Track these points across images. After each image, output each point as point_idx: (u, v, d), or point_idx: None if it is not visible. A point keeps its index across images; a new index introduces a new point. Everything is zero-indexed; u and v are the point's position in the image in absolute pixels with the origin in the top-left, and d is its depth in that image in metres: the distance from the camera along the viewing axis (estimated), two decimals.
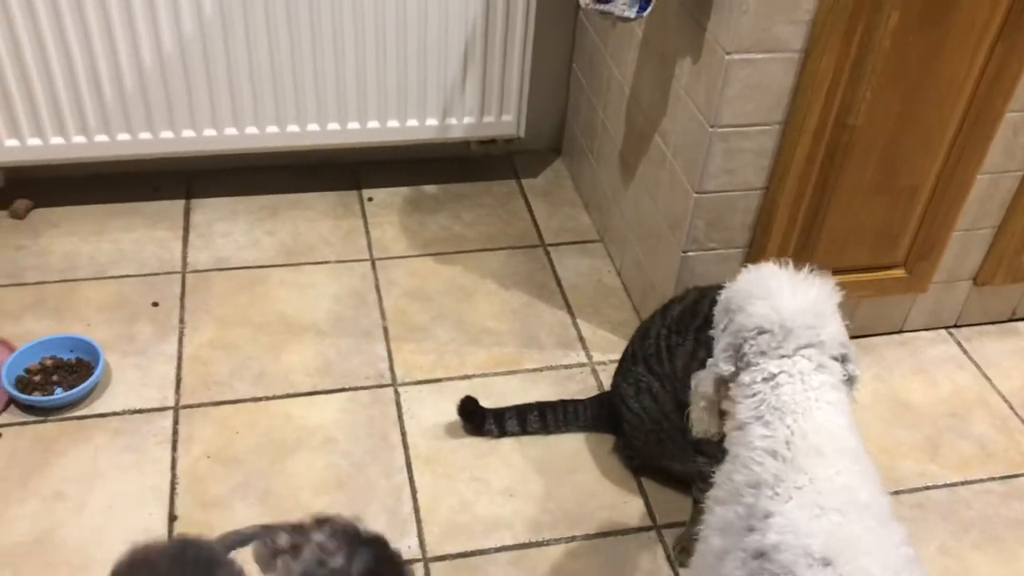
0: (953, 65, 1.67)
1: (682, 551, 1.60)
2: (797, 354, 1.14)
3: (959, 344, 2.11)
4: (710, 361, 1.24)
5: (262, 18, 2.02)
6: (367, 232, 2.27)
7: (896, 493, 1.77)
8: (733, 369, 1.18)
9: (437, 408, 1.84)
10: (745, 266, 1.30)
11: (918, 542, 1.68)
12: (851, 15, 1.57)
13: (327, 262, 2.17)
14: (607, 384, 1.90)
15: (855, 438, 1.10)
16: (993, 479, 1.81)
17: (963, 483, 1.80)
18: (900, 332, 2.12)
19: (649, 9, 1.67)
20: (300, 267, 2.15)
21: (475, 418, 1.79)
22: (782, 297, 1.18)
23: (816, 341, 1.15)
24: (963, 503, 1.77)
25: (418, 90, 2.21)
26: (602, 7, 1.69)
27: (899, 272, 1.96)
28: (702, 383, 1.24)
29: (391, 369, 1.92)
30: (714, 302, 1.59)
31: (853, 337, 1.26)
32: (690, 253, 1.84)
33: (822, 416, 1.09)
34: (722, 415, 1.25)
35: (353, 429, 1.79)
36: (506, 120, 2.32)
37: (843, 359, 1.18)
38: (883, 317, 2.08)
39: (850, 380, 1.19)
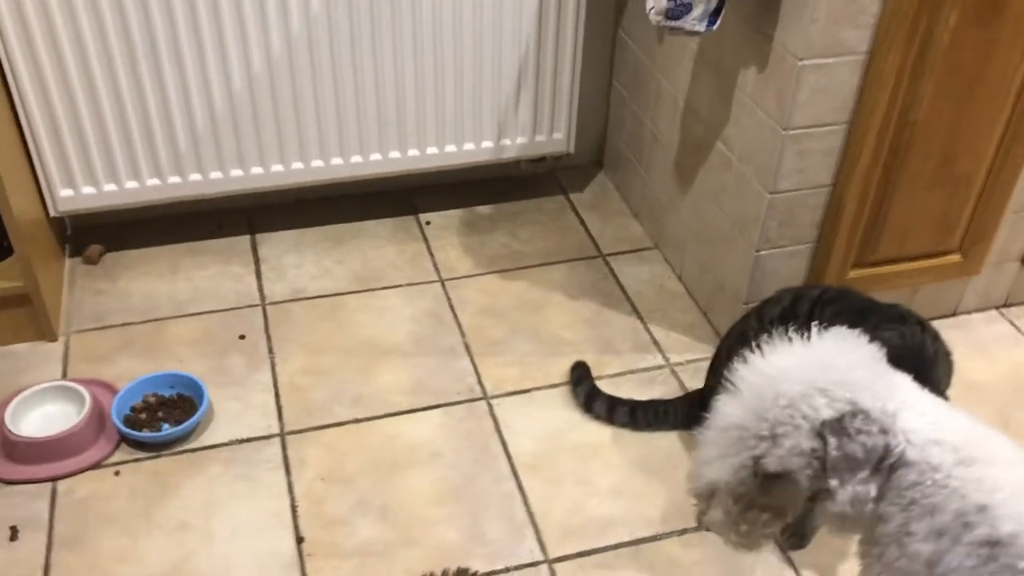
0: (1006, 57, 1.77)
1: (791, 536, 1.67)
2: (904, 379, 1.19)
3: (1011, 322, 2.21)
4: (835, 483, 1.11)
5: (327, 55, 2.09)
6: (431, 254, 2.34)
7: None
8: (901, 444, 1.11)
9: (531, 417, 1.91)
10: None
11: None
12: (914, 17, 1.66)
13: (399, 286, 2.24)
14: (688, 384, 1.98)
15: None
16: None
17: None
18: (954, 315, 2.21)
19: (718, 23, 1.76)
20: (374, 292, 2.21)
21: (585, 376, 1.95)
22: (857, 346, 1.18)
23: None
24: None
25: (474, 114, 2.28)
26: (672, 23, 1.77)
27: (955, 257, 2.05)
28: (858, 496, 1.12)
29: (480, 383, 1.99)
30: (813, 302, 1.65)
31: None
32: (763, 252, 1.92)
33: (961, 413, 1.16)
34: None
35: (455, 442, 1.85)
36: (557, 138, 2.40)
37: None
38: (938, 301, 2.17)
39: None
